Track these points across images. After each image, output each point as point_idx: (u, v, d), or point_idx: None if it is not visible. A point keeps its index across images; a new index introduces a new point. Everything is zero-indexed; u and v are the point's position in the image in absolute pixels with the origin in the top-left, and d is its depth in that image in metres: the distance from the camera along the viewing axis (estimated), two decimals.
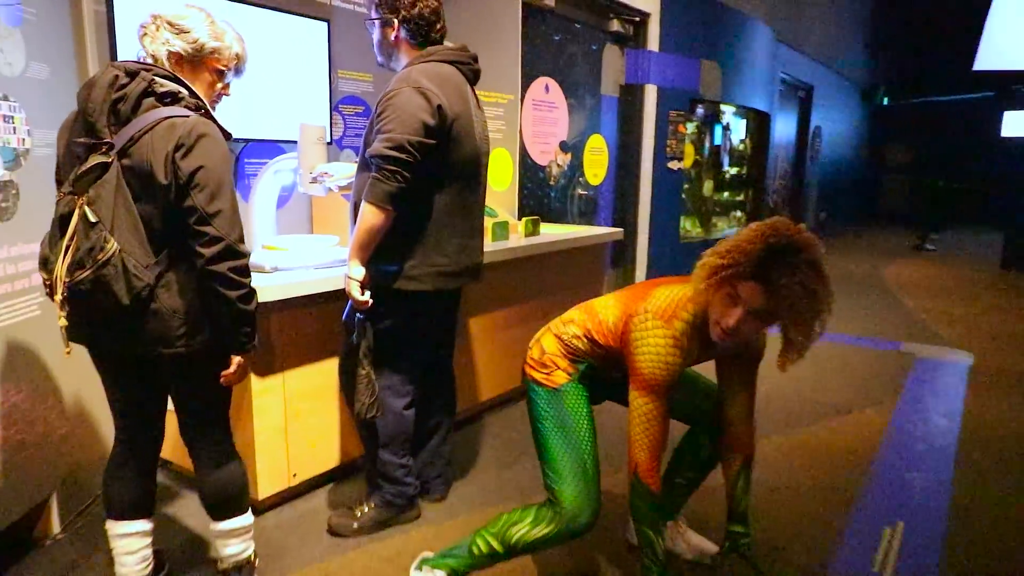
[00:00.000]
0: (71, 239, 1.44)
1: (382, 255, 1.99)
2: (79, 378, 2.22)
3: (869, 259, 9.02)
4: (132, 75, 1.50)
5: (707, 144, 7.40)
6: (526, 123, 4.77)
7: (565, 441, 1.68)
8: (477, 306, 3.04)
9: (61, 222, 1.46)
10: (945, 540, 2.23)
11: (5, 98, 1.87)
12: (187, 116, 1.50)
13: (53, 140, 2.03)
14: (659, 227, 6.29)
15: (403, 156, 1.85)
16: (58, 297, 1.45)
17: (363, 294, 1.96)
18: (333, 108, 3.13)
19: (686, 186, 6.77)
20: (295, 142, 2.61)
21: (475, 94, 2.16)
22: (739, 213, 8.32)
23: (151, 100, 1.50)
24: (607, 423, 2.12)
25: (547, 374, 1.73)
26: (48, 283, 1.48)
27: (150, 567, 1.85)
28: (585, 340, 1.72)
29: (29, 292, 2.00)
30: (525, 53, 4.56)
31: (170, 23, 1.58)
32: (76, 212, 1.44)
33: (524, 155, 4.82)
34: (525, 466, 2.72)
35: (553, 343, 1.76)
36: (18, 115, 1.91)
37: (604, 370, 1.76)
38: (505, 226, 3.24)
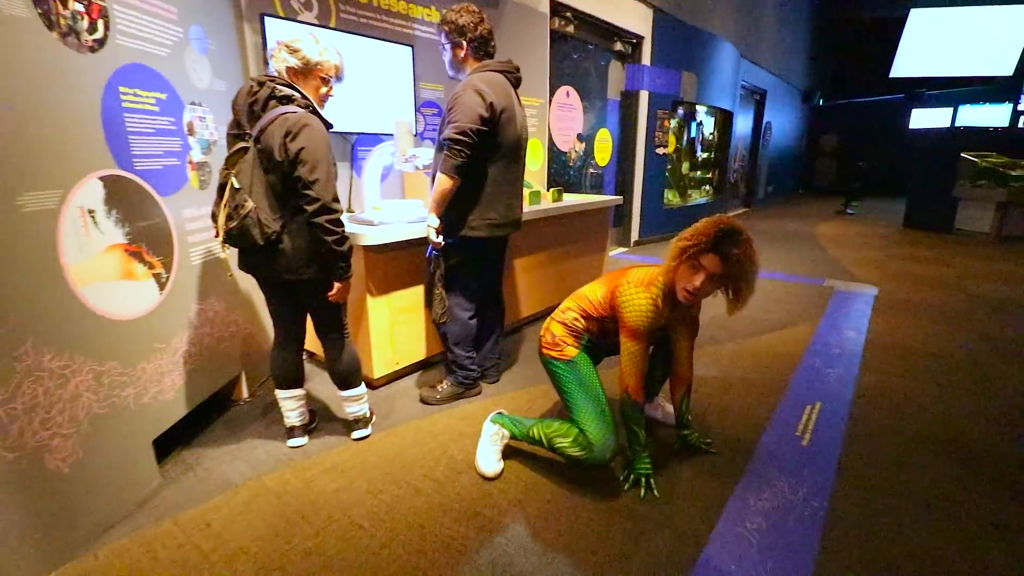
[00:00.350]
0: (226, 200, 1.53)
1: (451, 211, 2.01)
2: (254, 295, 2.35)
3: (804, 221, 8.68)
4: (261, 84, 1.57)
5: (685, 135, 7.12)
6: (553, 120, 4.67)
7: (586, 395, 1.66)
8: (519, 250, 3.03)
9: (219, 189, 1.55)
10: (851, 414, 2.23)
11: (200, 104, 1.93)
12: (295, 112, 1.56)
13: None
14: (648, 196, 6.18)
15: (465, 139, 1.86)
16: (220, 239, 1.57)
17: (438, 237, 1.99)
18: (416, 110, 3.12)
19: (668, 167, 6.57)
20: (391, 134, 2.62)
21: (517, 95, 2.13)
22: (708, 188, 8.06)
23: (274, 101, 1.57)
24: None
25: (560, 351, 1.71)
26: (215, 229, 1.58)
27: (305, 418, 1.98)
28: (582, 319, 1.71)
29: (219, 239, 2.10)
30: (552, 68, 4.43)
31: (287, 46, 1.61)
32: (228, 182, 1.53)
33: (551, 144, 4.74)
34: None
35: (559, 328, 1.74)
36: (208, 116, 1.98)
37: (599, 340, 1.75)
38: (538, 194, 3.23)
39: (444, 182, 1.91)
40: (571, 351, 1.72)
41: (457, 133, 1.86)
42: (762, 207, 10.79)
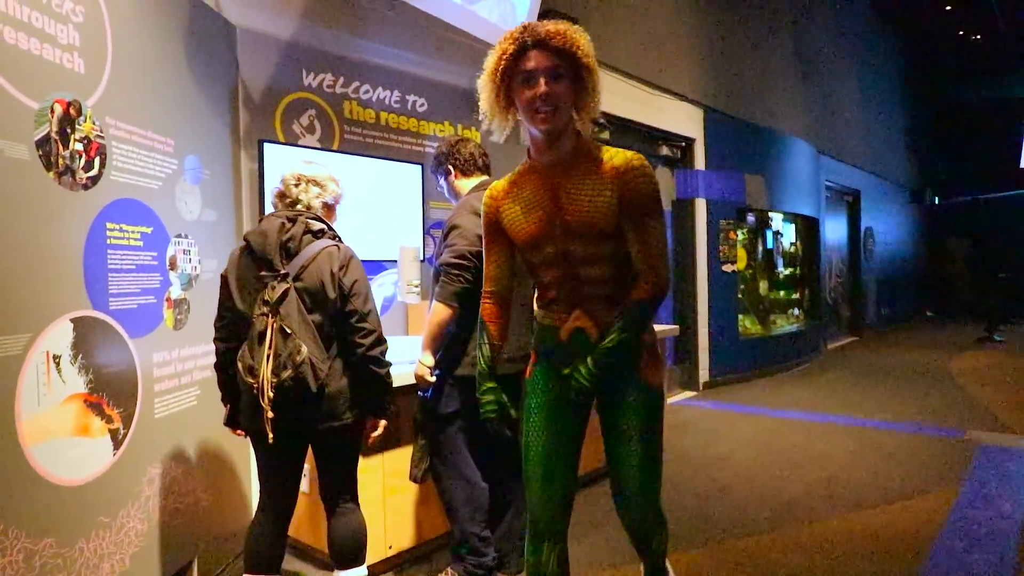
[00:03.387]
0: (270, 348, 1.76)
1: (449, 345, 2.19)
2: (220, 461, 2.51)
3: (933, 351, 8.59)
4: (292, 221, 1.88)
5: (760, 248, 7.49)
6: None
7: None
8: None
9: (259, 337, 1.77)
10: None
11: (185, 236, 2.29)
12: (337, 245, 1.88)
13: (216, 268, 2.45)
14: (718, 325, 6.33)
15: (464, 262, 2.11)
16: (268, 395, 1.75)
17: (432, 376, 2.15)
18: (425, 232, 3.50)
19: (741, 287, 6.82)
20: (395, 261, 2.95)
21: None
22: (796, 311, 8.21)
23: (309, 236, 1.88)
24: None
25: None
26: (255, 385, 1.76)
27: None
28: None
29: (191, 386, 2.33)
30: None
31: (316, 182, 1.97)
32: (271, 328, 1.77)
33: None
34: (595, 540, 2.73)
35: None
36: (193, 249, 2.33)
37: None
38: None
39: (441, 312, 2.13)
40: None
41: (455, 257, 2.12)
42: (876, 334, 10.76)
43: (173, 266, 2.23)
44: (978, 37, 12.95)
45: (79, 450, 1.81)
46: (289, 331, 1.76)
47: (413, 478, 2.26)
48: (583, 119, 1.51)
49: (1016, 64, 13.52)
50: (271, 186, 2.62)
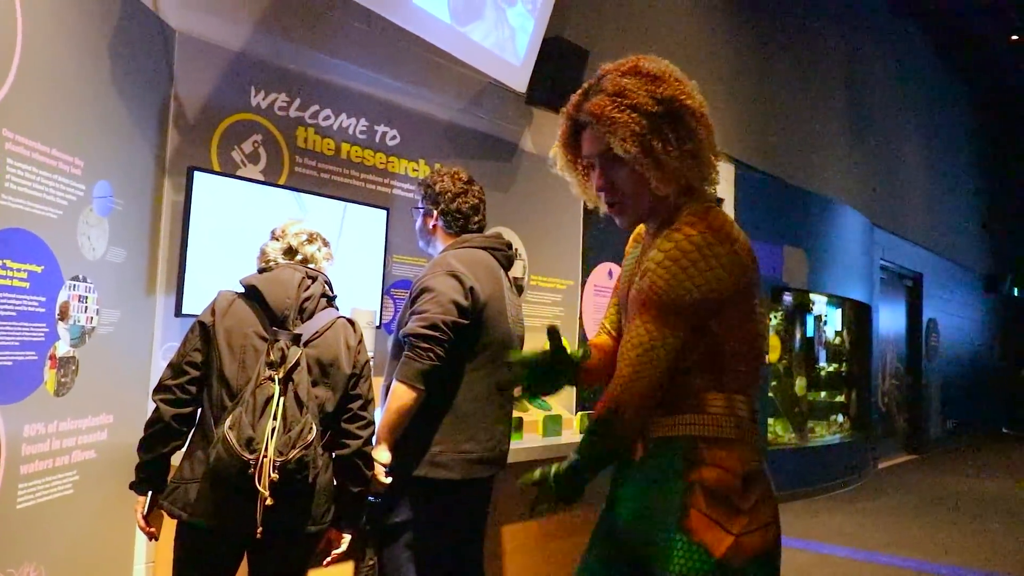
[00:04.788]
0: (277, 421, 1.77)
1: (408, 438, 2.17)
2: (96, 571, 2.43)
3: (1009, 476, 8.62)
4: (313, 279, 1.99)
5: (797, 336, 7.59)
6: (587, 309, 5.13)
7: None
8: (513, 512, 3.01)
9: (264, 405, 1.78)
10: None
11: (84, 279, 2.31)
12: (350, 319, 2.03)
13: (116, 320, 2.46)
14: None
15: (436, 334, 2.12)
16: (267, 477, 1.71)
17: (386, 477, 2.12)
18: (385, 292, 3.52)
19: (773, 383, 6.88)
20: None
21: (509, 279, 2.47)
22: (840, 418, 8.25)
23: (324, 300, 1.98)
24: None
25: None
26: (254, 461, 1.71)
27: None
28: None
29: (67, 470, 2.27)
30: (586, 239, 5.04)
31: (326, 243, 2.15)
32: (280, 396, 1.79)
33: (584, 342, 5.12)
34: None
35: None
36: (91, 295, 2.34)
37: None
38: (558, 420, 3.45)
39: (403, 394, 2.12)
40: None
41: (424, 327, 2.13)
42: (940, 453, 10.79)
43: (64, 315, 2.23)
44: None
45: None
46: (303, 403, 1.80)
47: None
48: (662, 191, 1.49)
49: None
50: (199, 224, 2.69)
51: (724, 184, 6.41)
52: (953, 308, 12.15)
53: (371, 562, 2.22)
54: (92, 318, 2.35)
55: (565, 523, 3.32)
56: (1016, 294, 15.03)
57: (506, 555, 3.08)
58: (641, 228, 1.70)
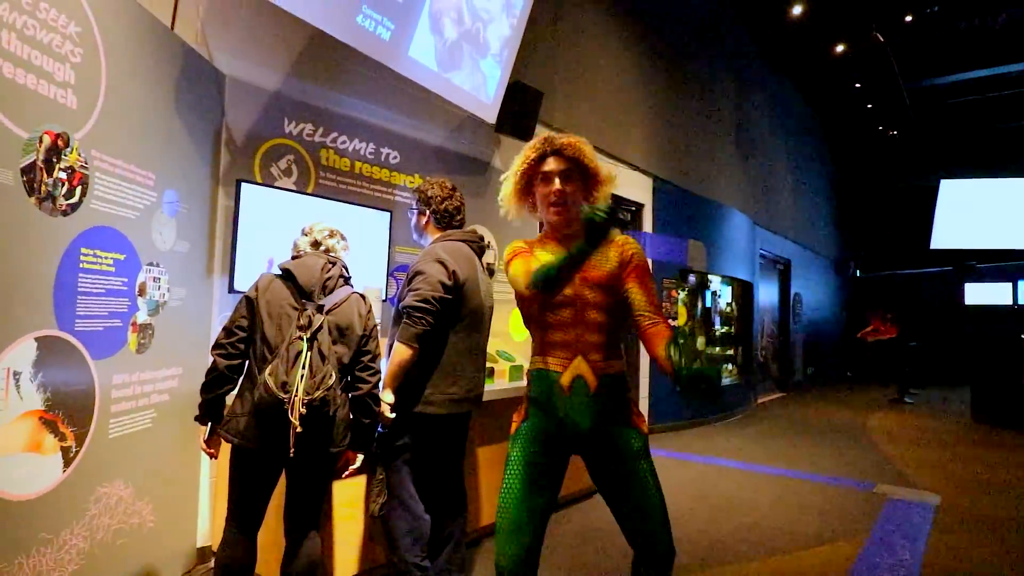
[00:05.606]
0: (305, 369, 1.79)
1: (407, 385, 2.20)
2: (170, 484, 2.44)
3: (852, 410, 8.89)
4: (333, 264, 2.01)
5: (699, 307, 7.71)
6: None
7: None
8: (487, 437, 3.12)
9: (295, 357, 1.81)
10: None
11: (157, 265, 2.29)
12: (361, 294, 2.05)
13: (183, 296, 2.45)
14: (659, 375, 6.46)
15: (428, 306, 2.15)
16: (298, 411, 1.76)
17: (391, 413, 2.15)
18: (389, 274, 3.54)
19: (681, 341, 6.98)
20: None
21: (482, 263, 2.49)
22: (730, 366, 8.43)
23: (342, 280, 2.02)
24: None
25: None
26: (287, 400, 1.76)
27: None
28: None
29: (146, 409, 2.28)
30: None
31: (343, 238, 2.16)
32: (308, 351, 1.82)
33: None
34: None
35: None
36: (163, 277, 2.32)
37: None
38: (520, 369, 3.49)
39: (403, 352, 2.15)
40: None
41: (419, 300, 2.16)
42: (801, 392, 11.08)
43: (142, 292, 2.21)
44: (895, 133, 13.93)
45: (29, 466, 1.76)
46: (325, 356, 1.83)
47: (372, 513, 2.23)
48: (591, 202, 1.75)
49: (926, 157, 14.53)
50: (246, 223, 2.67)
51: (644, 193, 6.47)
52: (812, 286, 12.42)
53: (380, 477, 2.25)
54: (164, 294, 2.34)
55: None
56: (859, 275, 15.45)
57: (480, 470, 3.14)
58: (520, 243, 1.81)
